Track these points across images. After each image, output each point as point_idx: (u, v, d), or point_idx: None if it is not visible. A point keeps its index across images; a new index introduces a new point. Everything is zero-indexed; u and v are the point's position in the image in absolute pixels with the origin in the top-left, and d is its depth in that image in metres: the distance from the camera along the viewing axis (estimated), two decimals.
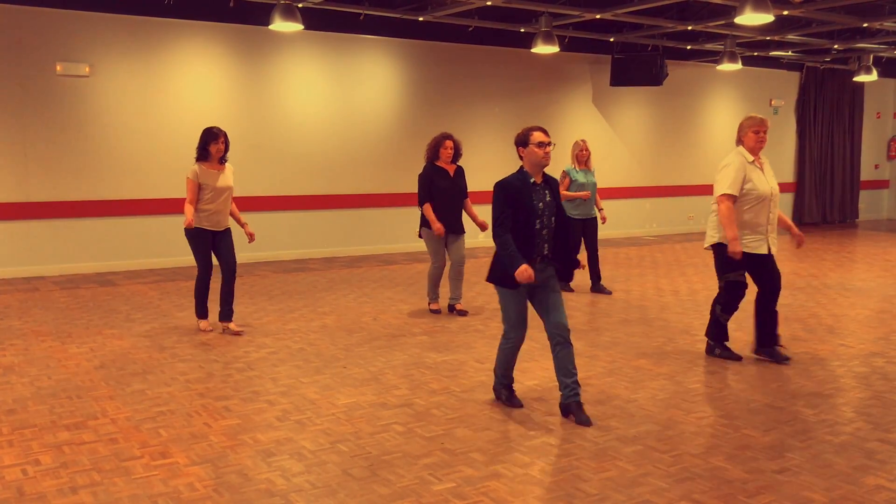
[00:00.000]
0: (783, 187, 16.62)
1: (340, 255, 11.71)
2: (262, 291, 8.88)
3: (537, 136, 4.66)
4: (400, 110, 12.10)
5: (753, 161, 5.78)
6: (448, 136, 7.60)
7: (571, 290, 8.93)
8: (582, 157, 8.82)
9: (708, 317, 6.25)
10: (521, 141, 4.73)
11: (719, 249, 5.90)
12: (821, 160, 17.10)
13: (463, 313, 7.67)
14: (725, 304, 6.02)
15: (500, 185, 4.73)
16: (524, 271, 4.48)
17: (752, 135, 5.74)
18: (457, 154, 7.62)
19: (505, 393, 5.00)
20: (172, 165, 10.20)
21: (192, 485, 3.78)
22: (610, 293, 8.87)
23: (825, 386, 5.45)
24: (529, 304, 4.82)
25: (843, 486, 3.80)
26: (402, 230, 12.27)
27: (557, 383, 4.79)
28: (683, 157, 15.31)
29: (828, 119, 17.04)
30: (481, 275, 8.26)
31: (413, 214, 12.28)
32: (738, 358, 6.04)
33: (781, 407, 4.97)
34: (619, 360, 6.09)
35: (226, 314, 6.86)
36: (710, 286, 9.17)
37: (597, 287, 8.95)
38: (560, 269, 4.83)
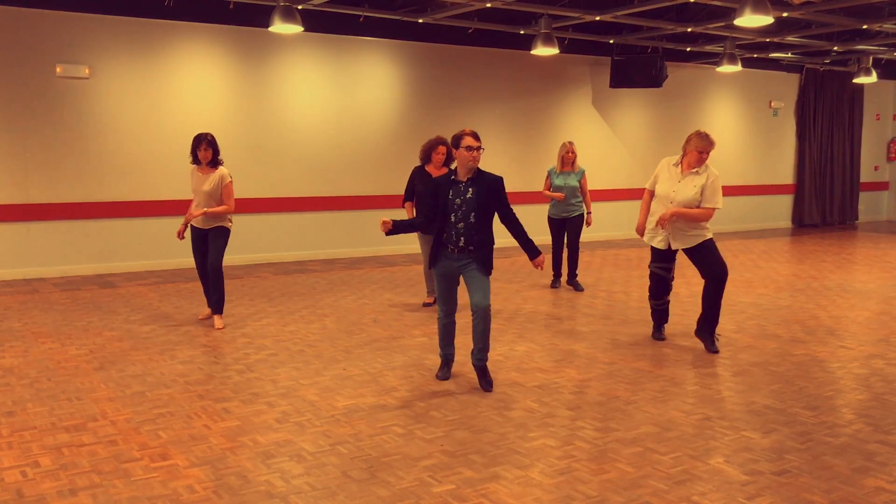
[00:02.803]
0: (783, 189, 16.68)
1: (340, 257, 11.71)
2: (261, 293, 8.87)
3: (467, 141, 5.20)
4: (400, 112, 12.10)
5: (677, 164, 6.27)
6: (442, 142, 7.67)
7: (582, 289, 9.16)
8: (568, 158, 8.96)
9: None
10: (454, 143, 5.28)
11: None
12: (820, 162, 17.11)
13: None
14: (649, 289, 6.76)
15: (433, 180, 5.56)
16: (385, 223, 5.31)
17: (696, 154, 6.15)
18: (449, 159, 7.64)
19: (443, 368, 5.61)
20: (172, 167, 10.21)
21: (192, 487, 3.78)
22: (582, 290, 9.14)
23: (825, 388, 5.45)
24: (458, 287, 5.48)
25: (842, 488, 3.80)
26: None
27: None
28: None
29: (827, 121, 17.04)
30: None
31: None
32: (658, 339, 6.77)
33: (781, 409, 4.97)
34: (619, 361, 6.09)
35: (212, 307, 7.28)
36: None
37: (571, 281, 9.24)
38: (480, 261, 5.28)
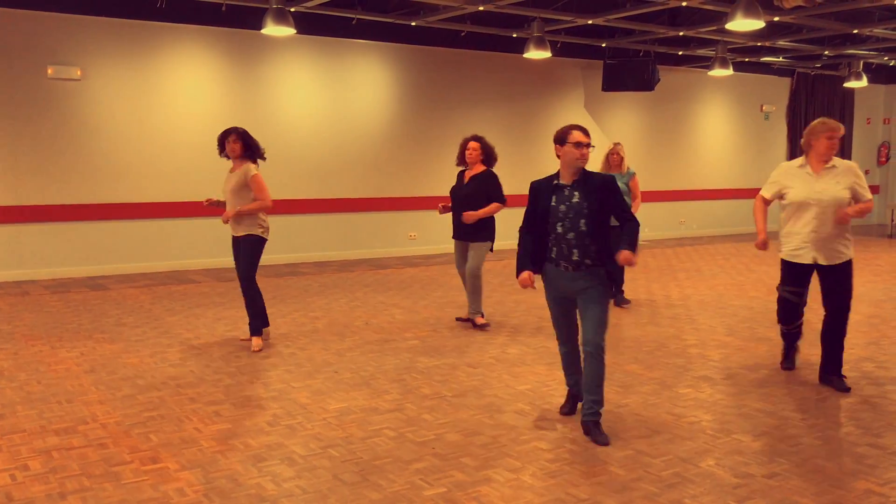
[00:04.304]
0: None
1: (332, 260, 11.70)
2: None
3: (575, 136, 4.42)
4: (392, 115, 12.11)
5: (803, 165, 5.70)
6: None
7: (629, 302, 8.50)
8: (614, 161, 8.56)
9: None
10: (559, 138, 4.50)
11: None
12: None
13: (481, 326, 7.21)
14: (777, 313, 6.04)
15: (531, 185, 4.67)
16: (524, 279, 4.52)
17: (826, 141, 5.49)
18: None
19: (567, 401, 4.91)
20: (164, 169, 10.18)
21: (182, 490, 3.77)
22: (629, 303, 8.54)
23: (815, 391, 5.47)
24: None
25: (833, 491, 3.81)
26: (395, 234, 12.28)
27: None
28: (675, 163, 15.35)
29: None
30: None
31: (404, 218, 12.36)
32: (788, 368, 6.02)
33: (771, 412, 4.99)
34: (611, 364, 6.08)
35: (252, 327, 6.56)
36: (701, 291, 9.20)
37: (620, 301, 8.46)
38: (600, 280, 4.47)
